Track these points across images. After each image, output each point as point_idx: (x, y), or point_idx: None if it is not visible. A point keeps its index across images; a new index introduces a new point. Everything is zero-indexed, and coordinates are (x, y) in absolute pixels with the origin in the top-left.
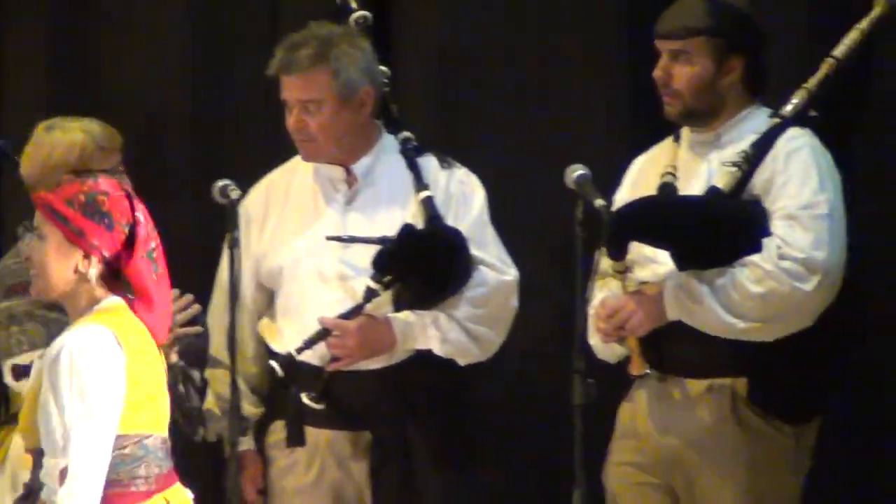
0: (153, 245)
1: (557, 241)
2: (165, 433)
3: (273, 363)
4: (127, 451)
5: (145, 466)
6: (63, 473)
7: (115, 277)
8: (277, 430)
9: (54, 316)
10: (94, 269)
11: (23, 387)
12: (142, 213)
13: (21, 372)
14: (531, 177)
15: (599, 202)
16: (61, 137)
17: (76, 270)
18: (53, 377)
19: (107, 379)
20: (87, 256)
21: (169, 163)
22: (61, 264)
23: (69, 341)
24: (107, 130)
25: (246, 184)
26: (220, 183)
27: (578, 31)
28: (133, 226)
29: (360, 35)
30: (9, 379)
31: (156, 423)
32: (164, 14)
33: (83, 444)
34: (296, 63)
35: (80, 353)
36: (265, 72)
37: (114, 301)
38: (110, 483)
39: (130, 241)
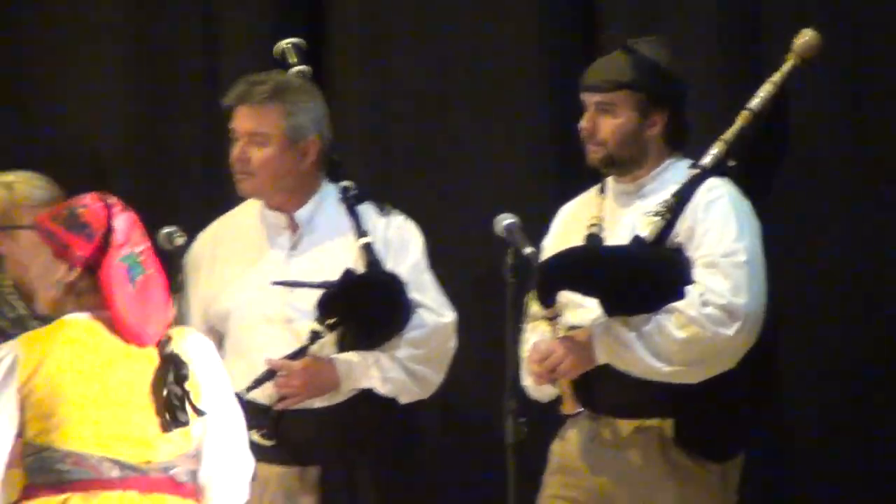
0: (136, 250)
1: (490, 286)
2: (84, 449)
3: None
4: (28, 460)
5: (47, 475)
6: None
7: (98, 285)
8: None
9: None
10: (73, 279)
11: None
12: (122, 221)
13: None
14: (464, 224)
15: (528, 250)
16: None
17: (60, 282)
18: None
19: None
20: (71, 268)
21: None
22: (50, 278)
23: None
24: (32, 186)
25: (188, 229)
26: (166, 230)
27: (507, 82)
28: (108, 232)
29: (314, 89)
30: None
31: (60, 438)
32: (103, 67)
33: None
34: (252, 95)
35: None
36: (203, 122)
37: (71, 317)
38: (27, 485)
39: (104, 246)
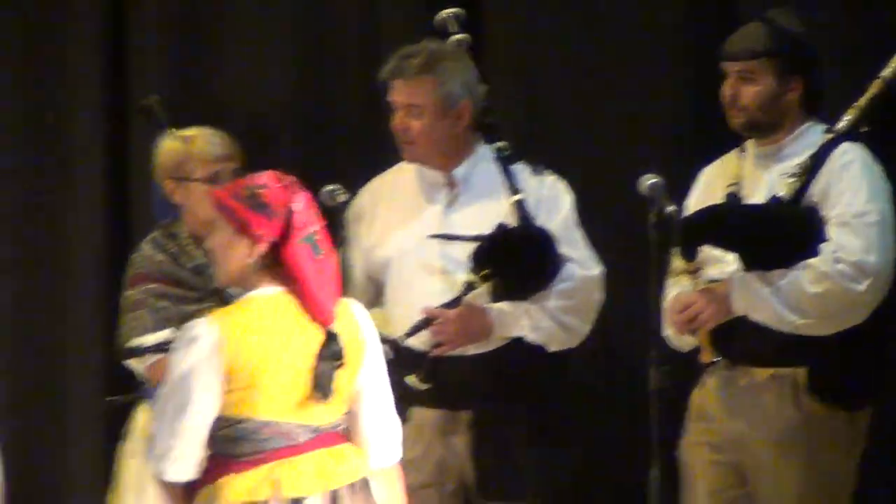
0: (313, 230)
1: (634, 242)
2: (279, 418)
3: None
4: (223, 432)
5: (244, 446)
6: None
7: (279, 263)
8: None
9: (163, 304)
10: (256, 256)
11: (135, 365)
12: (301, 202)
13: (130, 353)
14: (611, 183)
15: (670, 208)
16: (165, 145)
17: (243, 258)
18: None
19: (190, 369)
20: (252, 245)
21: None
22: (231, 253)
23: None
24: (209, 142)
25: (349, 186)
26: (329, 188)
27: (653, 48)
28: (290, 213)
29: (466, 55)
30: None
31: (257, 408)
32: (271, 32)
33: (158, 417)
34: (405, 70)
35: (178, 341)
36: (363, 85)
37: (258, 293)
38: (215, 455)
39: (288, 228)
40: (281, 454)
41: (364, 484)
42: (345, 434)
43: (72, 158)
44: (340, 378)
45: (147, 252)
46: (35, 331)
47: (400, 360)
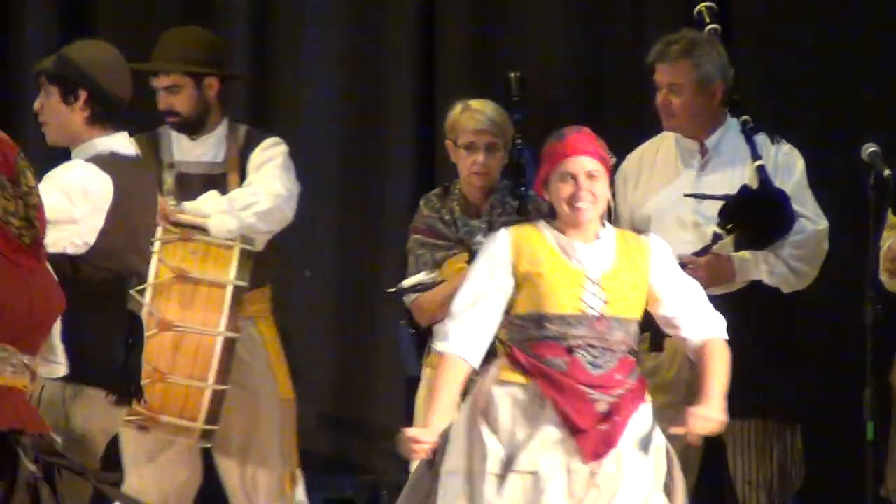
0: None
1: (855, 202)
2: None
3: None
4: None
5: None
6: None
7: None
8: (644, 339)
9: (422, 252)
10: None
11: (408, 300)
12: None
13: (395, 294)
14: (836, 151)
15: (887, 172)
16: (453, 109)
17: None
18: None
19: None
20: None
21: None
22: (603, 203)
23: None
24: (477, 115)
25: (617, 151)
26: None
27: (873, 38)
28: None
29: (718, 42)
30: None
31: None
32: (558, 24)
33: None
34: (668, 54)
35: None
36: (632, 65)
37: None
38: None
39: None
40: None
41: None
42: None
43: (387, 125)
44: None
45: (420, 207)
46: (356, 272)
47: None
